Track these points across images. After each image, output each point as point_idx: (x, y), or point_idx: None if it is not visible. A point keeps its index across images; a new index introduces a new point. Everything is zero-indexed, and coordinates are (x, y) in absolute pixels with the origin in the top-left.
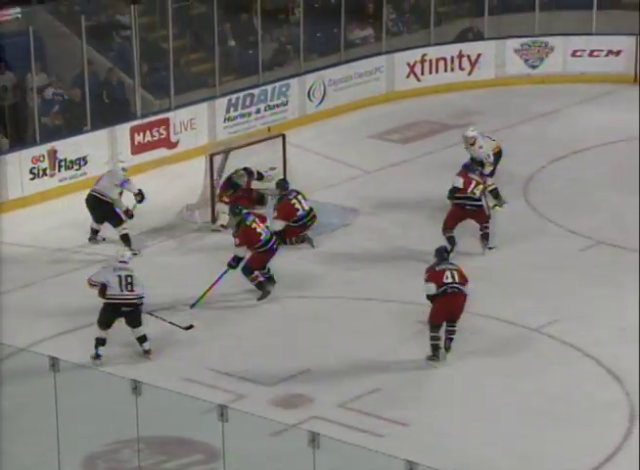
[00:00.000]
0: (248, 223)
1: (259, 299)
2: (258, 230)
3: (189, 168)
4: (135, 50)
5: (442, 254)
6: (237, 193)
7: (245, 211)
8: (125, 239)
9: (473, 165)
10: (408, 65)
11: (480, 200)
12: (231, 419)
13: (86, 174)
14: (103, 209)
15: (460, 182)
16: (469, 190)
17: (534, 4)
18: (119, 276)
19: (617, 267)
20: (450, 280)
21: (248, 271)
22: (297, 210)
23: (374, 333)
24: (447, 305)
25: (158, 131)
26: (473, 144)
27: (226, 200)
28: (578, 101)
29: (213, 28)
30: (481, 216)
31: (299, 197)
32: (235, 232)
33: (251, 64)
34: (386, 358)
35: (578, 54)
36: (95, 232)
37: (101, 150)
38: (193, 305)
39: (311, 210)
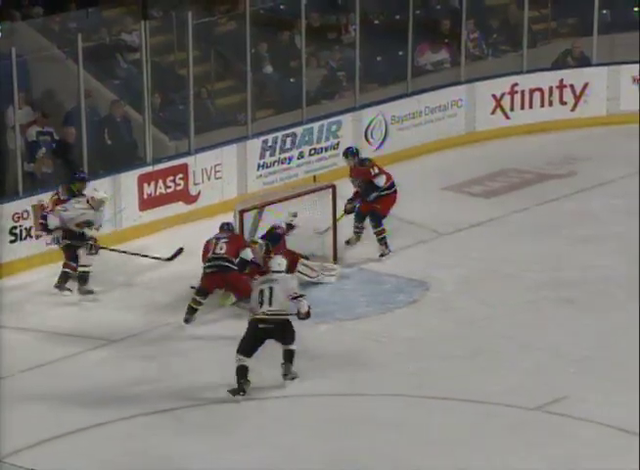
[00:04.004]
0: None
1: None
2: None
3: (212, 228)
4: (146, 78)
5: None
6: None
7: None
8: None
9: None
10: (494, 97)
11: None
12: None
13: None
14: None
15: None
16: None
17: None
18: None
19: None
20: None
21: None
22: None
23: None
24: None
25: (173, 181)
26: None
27: None
28: None
29: (245, 50)
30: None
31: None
32: None
33: (293, 95)
34: None
35: None
36: None
37: None
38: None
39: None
